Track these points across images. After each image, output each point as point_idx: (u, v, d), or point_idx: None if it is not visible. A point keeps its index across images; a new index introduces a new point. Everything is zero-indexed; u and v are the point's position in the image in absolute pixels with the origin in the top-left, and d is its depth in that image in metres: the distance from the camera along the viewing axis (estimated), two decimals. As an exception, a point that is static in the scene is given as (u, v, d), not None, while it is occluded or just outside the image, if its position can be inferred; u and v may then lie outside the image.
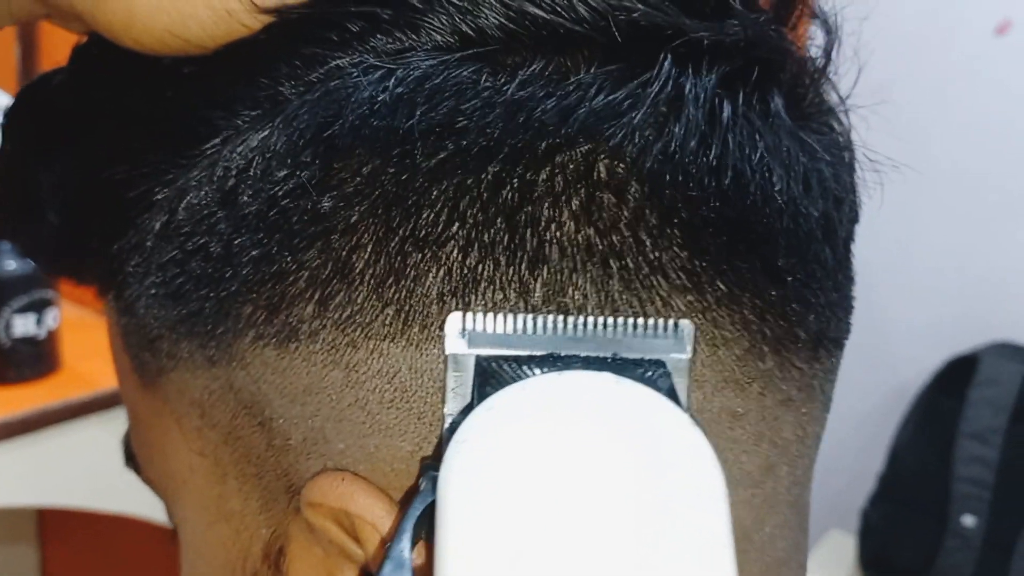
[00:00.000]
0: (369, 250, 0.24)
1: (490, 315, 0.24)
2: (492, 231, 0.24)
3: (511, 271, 0.24)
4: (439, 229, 0.24)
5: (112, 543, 1.56)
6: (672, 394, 0.23)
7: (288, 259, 0.25)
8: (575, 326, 0.24)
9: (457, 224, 0.24)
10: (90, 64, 0.31)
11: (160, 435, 0.31)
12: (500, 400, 0.23)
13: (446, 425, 0.24)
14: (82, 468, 1.22)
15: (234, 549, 0.29)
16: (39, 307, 1.18)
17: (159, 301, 0.28)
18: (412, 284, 0.24)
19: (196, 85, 0.27)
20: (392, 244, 0.24)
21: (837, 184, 0.28)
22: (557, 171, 0.24)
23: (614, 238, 0.24)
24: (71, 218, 0.32)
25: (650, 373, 0.24)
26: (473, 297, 0.24)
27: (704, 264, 0.25)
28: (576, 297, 0.24)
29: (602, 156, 0.25)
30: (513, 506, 0.20)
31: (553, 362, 0.24)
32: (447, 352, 0.24)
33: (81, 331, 1.33)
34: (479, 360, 0.24)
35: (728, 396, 0.26)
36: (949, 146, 1.45)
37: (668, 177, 0.24)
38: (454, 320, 0.24)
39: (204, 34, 0.25)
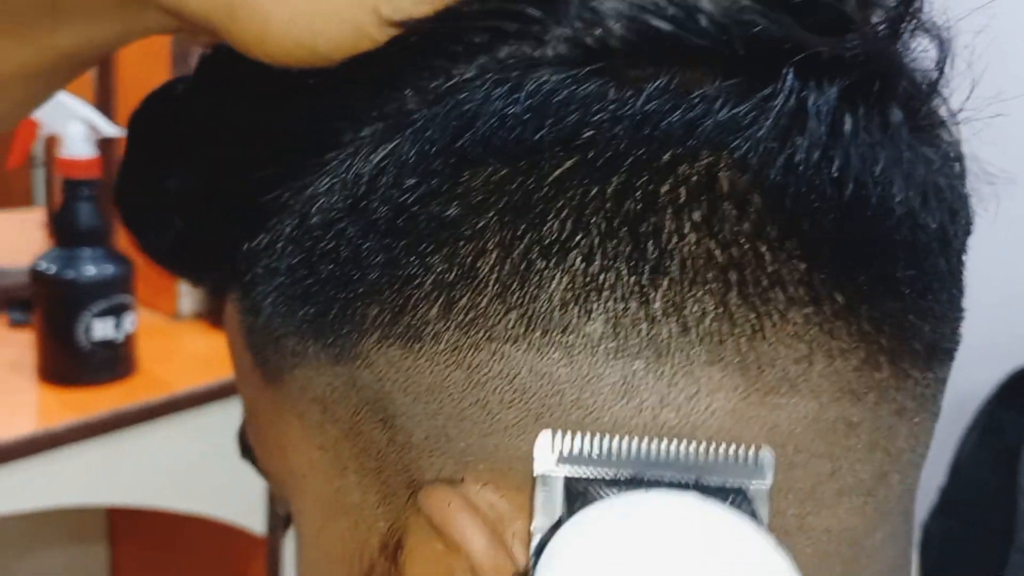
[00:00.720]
0: (494, 256, 0.25)
1: (578, 436, 0.25)
2: (615, 240, 0.25)
3: (632, 280, 0.25)
4: (564, 237, 0.25)
5: (179, 543, 1.59)
6: (754, 519, 0.24)
7: (415, 263, 0.26)
8: (659, 450, 0.25)
9: (581, 233, 0.25)
10: (218, 74, 0.32)
11: (280, 430, 0.32)
12: (589, 516, 0.24)
13: (534, 542, 0.25)
14: (156, 469, 1.24)
15: (352, 542, 0.30)
16: (117, 311, 1.21)
17: (287, 301, 0.29)
18: (536, 290, 0.25)
19: (322, 95, 0.28)
20: (517, 251, 0.25)
21: (952, 195, 0.28)
22: (680, 182, 0.25)
23: (734, 250, 0.25)
24: (197, 222, 0.33)
25: (731, 499, 0.25)
26: (595, 305, 0.25)
27: (823, 277, 0.26)
28: (695, 311, 0.25)
29: (724, 168, 0.25)
30: None
31: (637, 485, 0.25)
32: (536, 473, 0.25)
33: (155, 335, 1.36)
34: (567, 480, 0.25)
35: (844, 406, 0.26)
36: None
37: (791, 189, 0.25)
38: (544, 441, 0.25)
39: (332, 47, 0.26)
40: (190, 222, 0.33)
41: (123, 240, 1.40)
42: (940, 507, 1.42)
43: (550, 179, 0.25)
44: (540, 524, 0.25)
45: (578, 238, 0.25)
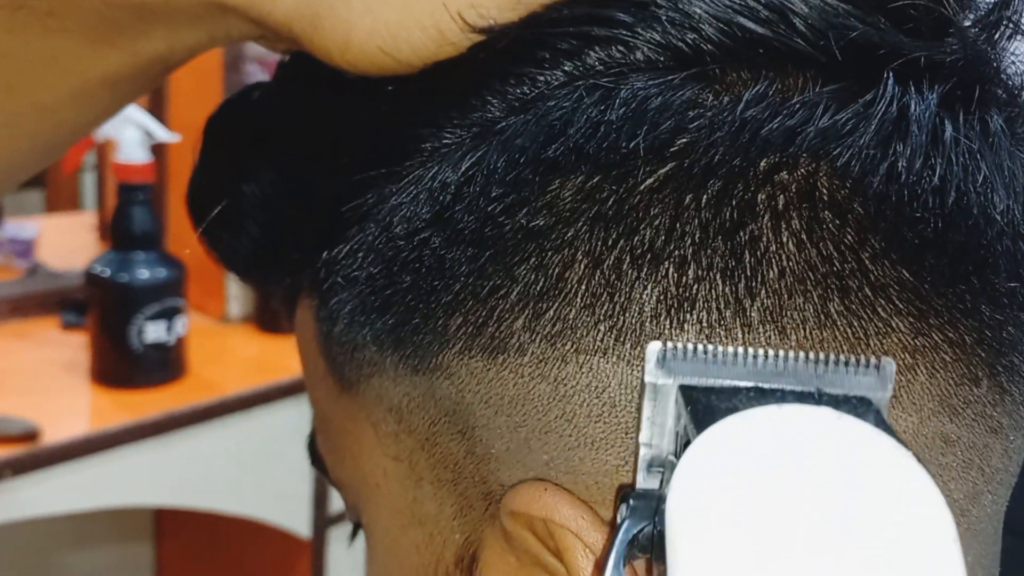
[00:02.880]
0: (583, 267, 0.25)
1: (690, 344, 0.24)
2: (710, 250, 0.24)
3: (728, 291, 0.24)
4: (657, 247, 0.24)
5: (224, 543, 1.60)
6: (888, 430, 0.23)
7: (501, 274, 0.26)
8: (777, 359, 0.24)
9: (675, 243, 0.24)
10: (297, 81, 0.32)
11: (354, 439, 0.32)
12: (724, 432, 0.23)
13: (643, 454, 0.24)
14: (205, 470, 1.26)
15: (427, 553, 0.30)
16: (169, 315, 1.23)
17: (366, 311, 0.29)
18: (626, 301, 0.25)
19: (404, 102, 0.28)
20: (608, 261, 0.25)
21: None
22: (779, 190, 0.24)
23: (836, 259, 0.24)
24: (275, 229, 0.33)
25: (860, 410, 0.24)
26: (689, 316, 0.24)
27: (926, 287, 0.25)
28: (794, 319, 0.24)
29: (824, 176, 0.25)
30: (749, 540, 0.20)
31: (760, 395, 0.24)
32: (646, 381, 0.24)
33: (204, 338, 1.38)
34: (684, 390, 0.24)
35: (943, 421, 0.26)
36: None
37: (893, 198, 0.24)
38: (654, 349, 0.24)
39: (414, 55, 0.26)
40: (267, 229, 0.33)
41: (176, 244, 1.42)
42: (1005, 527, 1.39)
43: (643, 187, 0.25)
44: (647, 437, 0.24)
45: (671, 248, 0.24)
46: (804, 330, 0.24)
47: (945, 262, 0.25)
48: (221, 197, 0.34)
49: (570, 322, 0.25)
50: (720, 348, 0.24)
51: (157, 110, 1.41)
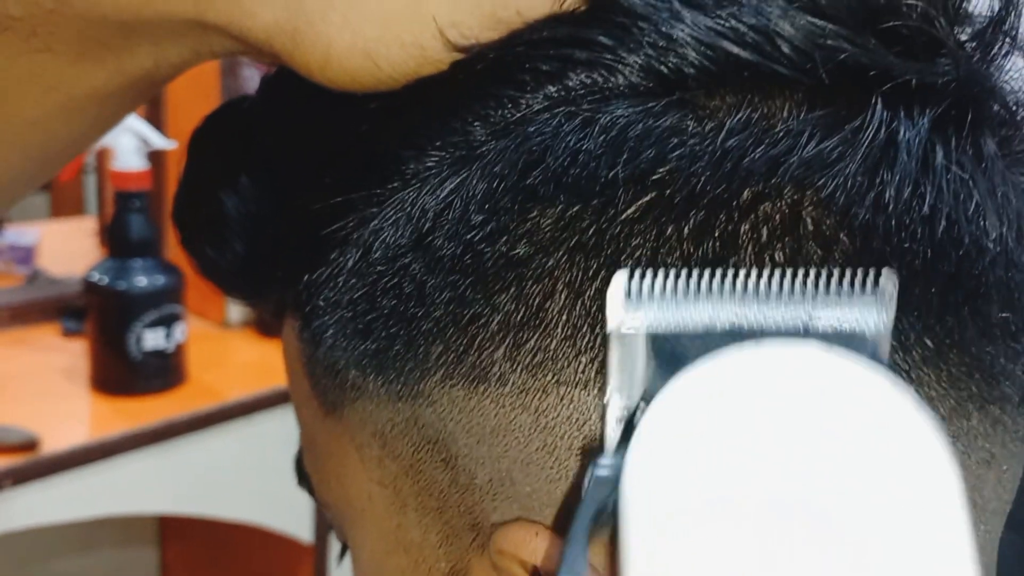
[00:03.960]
0: (564, 297, 0.24)
1: (660, 279, 0.23)
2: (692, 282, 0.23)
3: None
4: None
5: (228, 548, 1.60)
6: (884, 366, 0.21)
7: (481, 303, 0.25)
8: (759, 284, 0.22)
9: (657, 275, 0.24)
10: (280, 97, 0.32)
11: (338, 462, 0.31)
12: (691, 382, 0.20)
13: (612, 404, 0.23)
14: (207, 477, 1.26)
15: None
16: (168, 321, 1.23)
17: (348, 335, 0.29)
18: (607, 334, 0.24)
19: (386, 121, 0.28)
20: (588, 293, 0.24)
21: None
22: (762, 222, 0.24)
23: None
24: (258, 246, 0.32)
25: (855, 344, 0.22)
26: None
27: (911, 320, 0.24)
28: None
29: (809, 206, 0.24)
30: (709, 520, 0.18)
31: (736, 336, 0.22)
32: (609, 328, 0.23)
33: (204, 343, 1.38)
34: (652, 338, 0.22)
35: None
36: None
37: (880, 229, 0.24)
38: (620, 281, 0.23)
39: (394, 71, 0.26)
40: (250, 246, 0.33)
41: (173, 251, 1.41)
42: (1009, 524, 1.38)
43: (623, 217, 0.24)
44: (620, 387, 0.23)
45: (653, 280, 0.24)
46: None
47: (932, 294, 0.24)
48: (205, 211, 0.34)
49: (550, 353, 0.25)
50: (694, 280, 0.22)
51: (154, 117, 1.41)
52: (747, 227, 0.24)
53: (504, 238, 0.25)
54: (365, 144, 0.28)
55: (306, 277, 0.30)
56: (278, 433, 1.32)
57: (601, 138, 0.24)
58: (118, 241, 1.23)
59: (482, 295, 0.25)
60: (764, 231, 0.24)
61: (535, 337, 0.25)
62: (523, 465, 0.25)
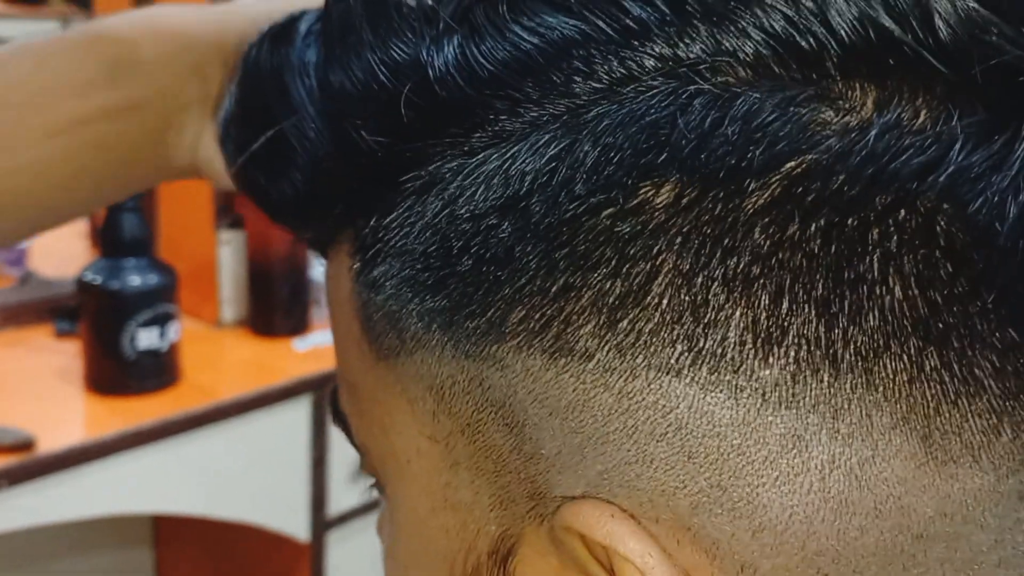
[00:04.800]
0: (670, 281, 0.23)
1: None
2: (809, 283, 0.23)
3: (822, 328, 0.23)
4: (753, 273, 0.23)
5: (224, 547, 1.60)
6: None
7: (575, 275, 0.24)
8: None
9: (773, 271, 0.23)
10: (350, 22, 0.29)
11: (386, 410, 0.30)
12: None
13: None
14: (202, 477, 1.26)
15: (457, 539, 0.29)
16: (161, 321, 1.23)
17: (416, 287, 0.27)
18: (711, 324, 0.23)
19: (470, 64, 0.26)
20: (698, 279, 0.23)
21: None
22: (894, 229, 0.22)
23: (942, 311, 0.22)
24: (318, 180, 0.30)
25: None
26: (775, 350, 0.23)
27: None
28: (885, 368, 0.23)
29: (945, 220, 0.22)
30: None
31: None
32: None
33: (198, 343, 1.38)
34: None
35: (1020, 478, 0.24)
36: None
37: (1019, 254, 0.22)
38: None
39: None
40: (309, 178, 0.31)
41: (165, 250, 1.41)
42: None
43: (747, 208, 0.23)
44: None
45: (769, 276, 0.23)
46: (893, 382, 0.23)
47: None
48: (261, 137, 0.32)
49: (645, 336, 0.24)
50: None
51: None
52: (877, 233, 0.22)
53: (610, 212, 0.24)
54: (451, 83, 0.26)
55: (374, 221, 0.28)
56: (273, 431, 1.32)
57: (737, 124, 0.23)
58: (111, 241, 1.23)
59: (577, 268, 0.24)
60: (895, 239, 0.22)
61: (631, 317, 0.24)
62: (598, 444, 0.25)
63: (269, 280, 1.44)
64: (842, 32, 0.23)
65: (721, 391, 0.23)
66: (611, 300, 0.24)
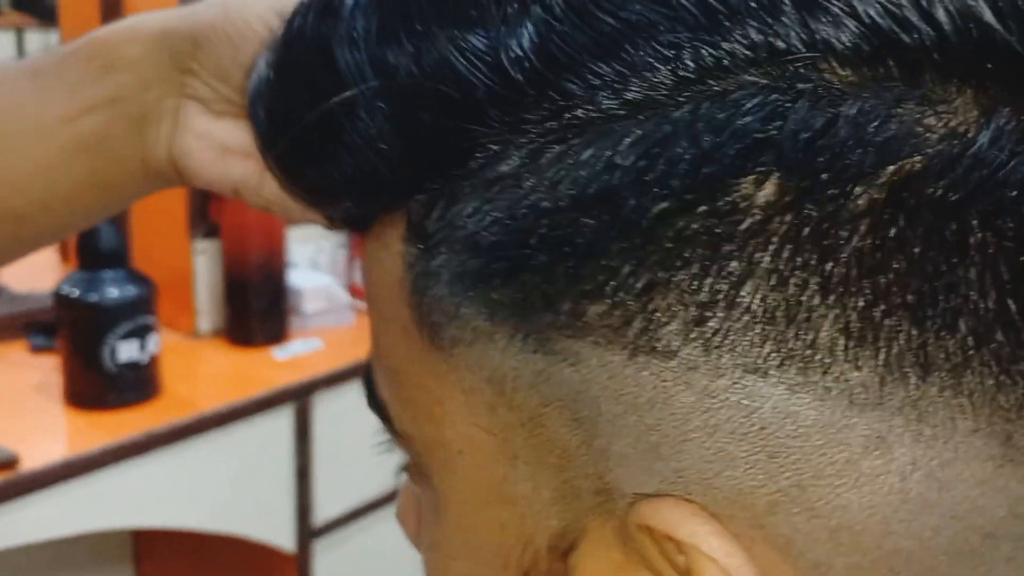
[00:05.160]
0: (764, 281, 0.23)
1: None
2: (907, 288, 0.23)
3: (915, 333, 0.23)
4: (851, 277, 0.23)
5: (205, 561, 1.58)
6: None
7: (663, 272, 0.24)
8: None
9: (871, 276, 0.23)
10: None
11: (435, 399, 0.29)
12: None
13: None
14: (187, 489, 1.24)
15: (513, 534, 0.28)
16: (141, 332, 1.21)
17: (482, 279, 0.26)
18: (803, 326, 0.23)
19: (557, 45, 0.25)
20: (793, 281, 0.23)
21: None
22: (993, 237, 0.22)
23: None
24: (373, 163, 0.28)
25: None
26: (866, 353, 0.23)
27: None
28: (978, 373, 0.23)
29: None
30: None
31: None
32: None
33: (175, 355, 1.36)
34: None
35: None
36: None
37: None
38: None
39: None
40: (359, 163, 0.29)
41: (141, 260, 1.40)
42: None
43: (849, 211, 0.23)
44: None
45: (866, 280, 0.23)
46: (981, 387, 0.23)
47: None
48: (299, 107, 0.30)
49: (733, 335, 0.23)
50: None
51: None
52: (977, 240, 0.22)
53: (705, 209, 0.23)
54: (525, 69, 0.25)
55: (436, 209, 0.27)
56: (255, 442, 1.31)
57: (848, 127, 0.22)
58: (87, 253, 1.21)
59: (666, 264, 0.24)
60: (993, 247, 0.23)
61: (719, 317, 0.23)
62: (675, 442, 0.24)
63: (246, 289, 1.43)
64: (946, 28, 0.22)
65: (808, 392, 0.23)
66: (700, 298, 0.23)
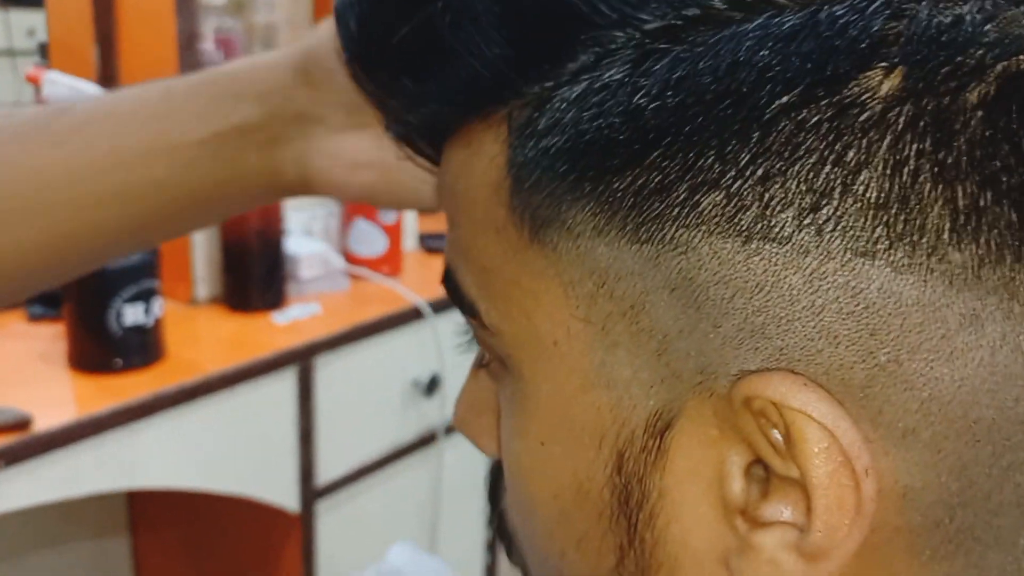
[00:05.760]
0: (880, 169, 0.24)
1: None
2: (1013, 174, 0.24)
3: (1013, 216, 0.24)
4: (963, 165, 0.24)
5: (203, 528, 1.59)
6: None
7: (782, 162, 0.25)
8: None
9: (980, 164, 0.24)
10: None
11: (530, 294, 0.30)
12: None
13: None
14: (194, 450, 1.25)
15: (610, 415, 0.29)
16: (146, 296, 1.22)
17: (594, 174, 0.27)
18: (913, 211, 0.24)
19: None
20: (908, 167, 0.24)
21: None
22: None
23: None
24: (479, 66, 0.29)
25: None
26: (969, 236, 0.24)
27: None
28: None
29: None
30: None
31: None
32: None
33: (175, 321, 1.36)
34: None
35: None
36: None
37: None
38: None
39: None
40: (467, 60, 0.29)
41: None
42: None
43: (967, 103, 0.24)
44: None
45: (976, 168, 0.24)
46: None
47: None
48: (399, 26, 0.31)
49: (847, 221, 0.25)
50: None
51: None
52: None
53: (827, 102, 0.25)
54: None
55: (548, 111, 0.28)
56: (260, 404, 1.32)
57: (966, 26, 0.24)
58: (90, 218, 1.21)
59: (786, 155, 0.25)
60: None
61: (835, 204, 0.25)
62: (782, 322, 0.26)
63: (244, 255, 1.44)
64: None
65: (912, 273, 0.24)
66: (817, 185, 0.25)
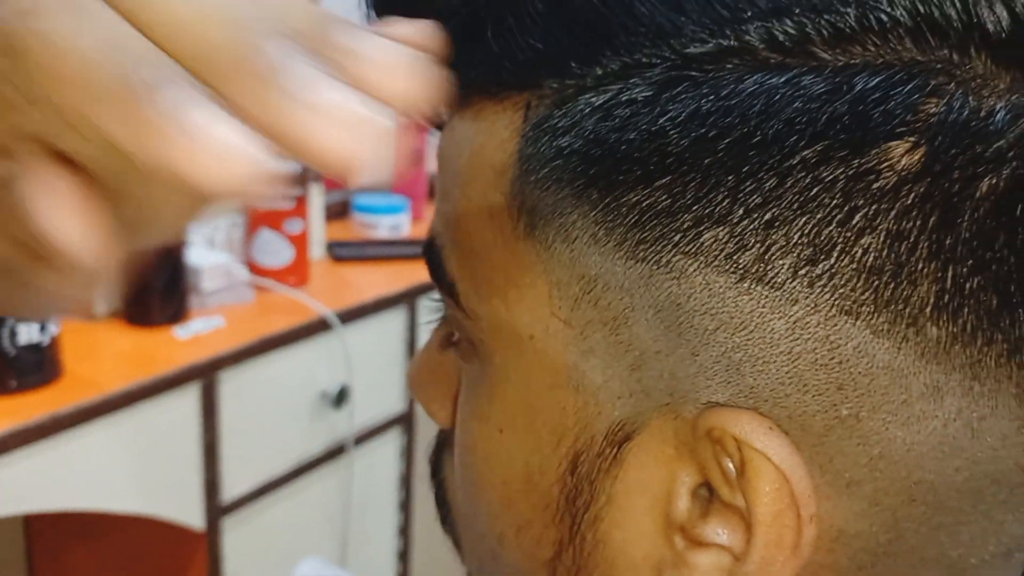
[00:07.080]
0: (880, 239, 0.25)
1: None
2: (1003, 267, 0.25)
3: (994, 303, 0.25)
4: (960, 250, 0.25)
5: (102, 554, 1.55)
6: None
7: (790, 213, 0.25)
8: None
9: (978, 251, 0.25)
10: None
11: (513, 284, 0.30)
12: None
13: None
14: (96, 470, 1.22)
15: (573, 418, 0.30)
16: (42, 313, 1.18)
17: (606, 184, 0.27)
18: (903, 283, 0.25)
19: None
20: (906, 243, 0.25)
21: None
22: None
23: None
24: (526, 41, 0.29)
25: None
26: (951, 313, 0.25)
27: None
28: None
29: None
30: None
31: None
32: None
33: (75, 336, 1.33)
34: None
35: None
36: None
37: None
38: None
39: None
40: (509, 23, 0.29)
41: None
42: None
43: (977, 192, 0.25)
44: None
45: (974, 253, 0.25)
46: None
47: None
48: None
49: (838, 279, 0.25)
50: None
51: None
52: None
53: (847, 163, 0.25)
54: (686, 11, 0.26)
55: (569, 110, 0.28)
56: (161, 421, 1.29)
57: (998, 121, 0.24)
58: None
59: (797, 206, 0.25)
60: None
61: (832, 261, 0.25)
62: (758, 363, 0.26)
63: (144, 268, 1.40)
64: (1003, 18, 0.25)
65: (889, 339, 0.25)
66: (820, 240, 0.25)
